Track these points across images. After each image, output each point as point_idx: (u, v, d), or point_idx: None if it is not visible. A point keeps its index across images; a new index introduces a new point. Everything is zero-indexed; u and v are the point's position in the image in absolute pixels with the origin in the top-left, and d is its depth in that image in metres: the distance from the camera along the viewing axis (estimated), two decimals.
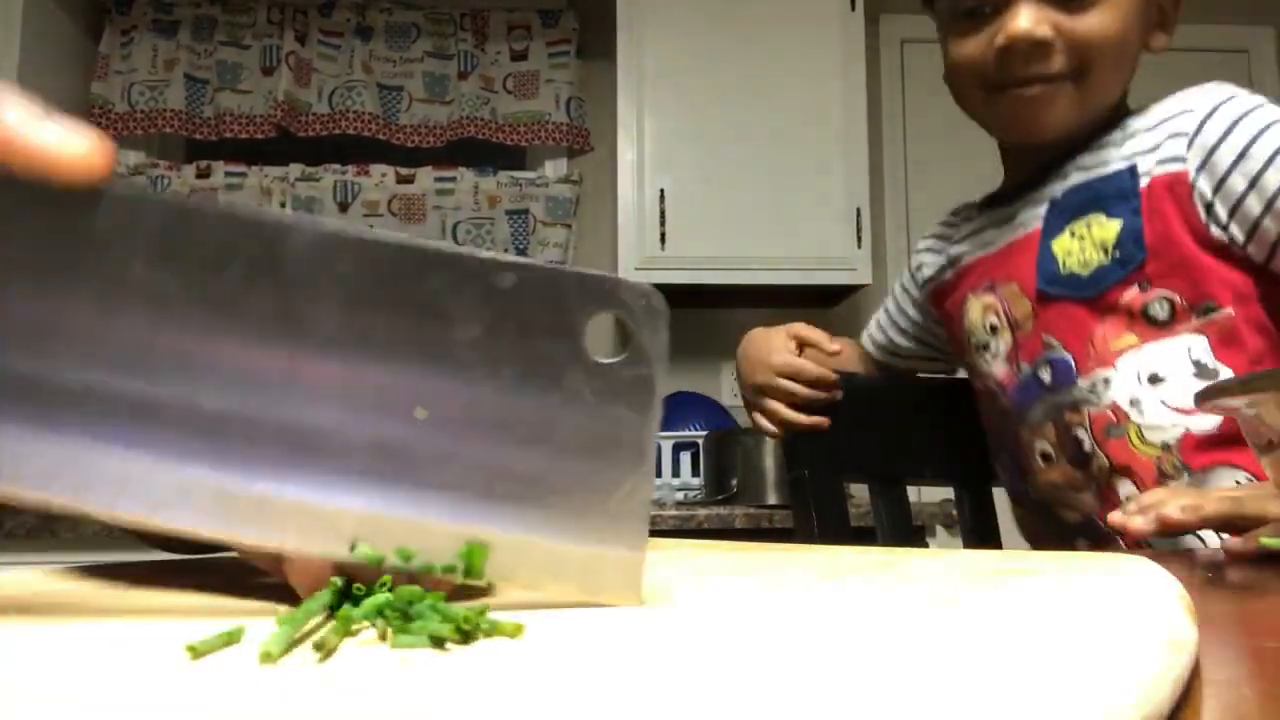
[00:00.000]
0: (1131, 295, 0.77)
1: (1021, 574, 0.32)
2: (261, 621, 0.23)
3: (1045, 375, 0.83)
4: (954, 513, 1.10)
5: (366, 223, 2.49)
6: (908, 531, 1.01)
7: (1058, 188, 0.84)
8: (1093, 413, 0.80)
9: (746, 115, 2.23)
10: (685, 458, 2.11)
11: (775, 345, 0.97)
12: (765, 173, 2.22)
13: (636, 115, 2.23)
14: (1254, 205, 0.73)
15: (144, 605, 0.29)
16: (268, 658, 0.19)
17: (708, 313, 2.54)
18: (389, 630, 0.22)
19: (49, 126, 0.24)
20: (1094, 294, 0.79)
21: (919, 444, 1.02)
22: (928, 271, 1.01)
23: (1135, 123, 0.82)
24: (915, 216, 2.56)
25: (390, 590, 0.25)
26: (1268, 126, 0.74)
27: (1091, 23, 0.78)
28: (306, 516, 0.25)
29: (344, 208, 2.49)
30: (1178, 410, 0.76)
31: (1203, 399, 0.48)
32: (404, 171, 2.51)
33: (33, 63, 2.21)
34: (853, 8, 2.27)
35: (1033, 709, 0.15)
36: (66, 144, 0.24)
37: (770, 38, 2.25)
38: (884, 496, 1.01)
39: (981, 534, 1.03)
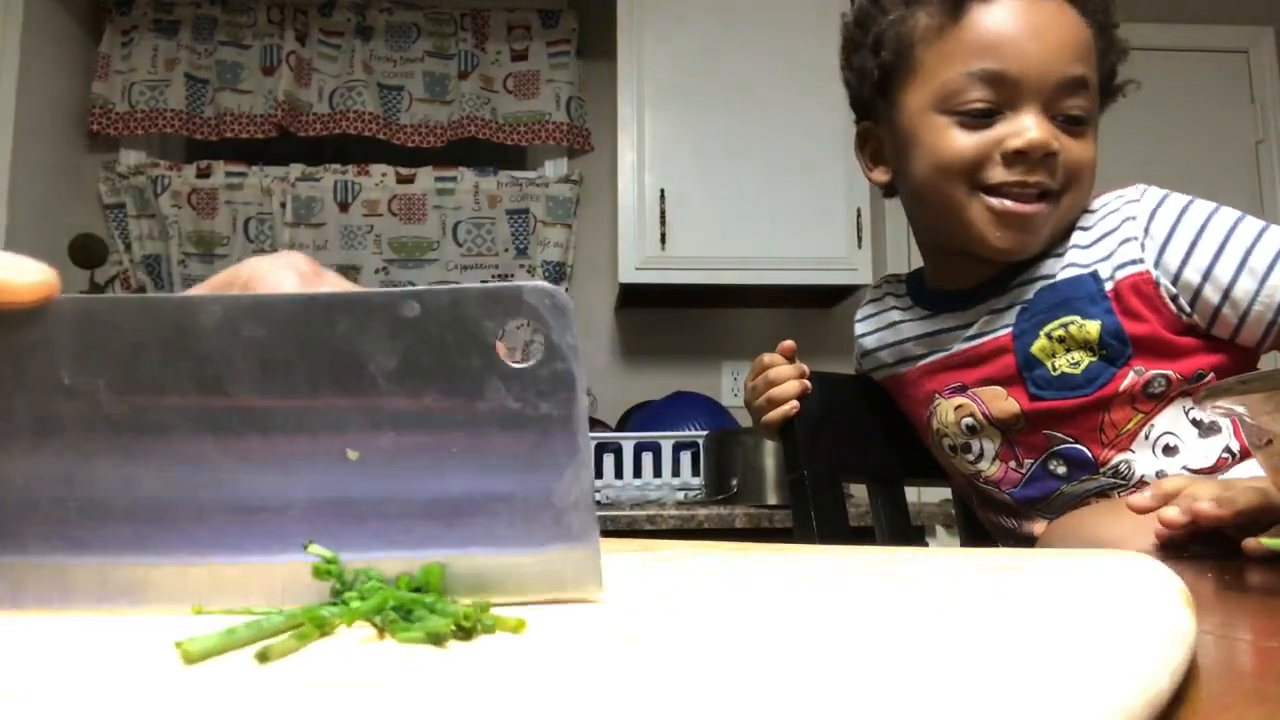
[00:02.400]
0: (1130, 381, 0.79)
1: (1019, 571, 0.32)
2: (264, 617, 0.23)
3: (1058, 468, 0.84)
4: (953, 512, 1.10)
5: (367, 223, 2.50)
6: (907, 531, 1.01)
7: (1021, 294, 0.85)
8: (1124, 495, 0.81)
9: (747, 115, 2.23)
10: (685, 457, 2.11)
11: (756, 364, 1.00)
12: (765, 173, 2.22)
13: (637, 115, 2.24)
14: (1211, 295, 0.77)
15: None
16: (189, 656, 0.19)
17: (708, 313, 2.54)
18: (387, 628, 0.22)
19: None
20: (1093, 391, 0.80)
21: (918, 444, 1.02)
22: (880, 358, 1.00)
23: (1079, 234, 0.84)
24: None
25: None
26: (1207, 220, 0.78)
27: (1082, 148, 0.81)
28: (262, 579, 0.26)
29: (344, 208, 2.50)
30: (1200, 471, 0.79)
31: (1202, 400, 0.48)
32: (404, 171, 2.51)
33: (33, 62, 2.21)
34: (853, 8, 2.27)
35: (1032, 704, 0.15)
36: (19, 271, 0.26)
37: (770, 38, 2.25)
38: (883, 496, 1.01)
39: (980, 533, 1.03)
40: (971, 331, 0.88)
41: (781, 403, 0.95)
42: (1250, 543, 0.54)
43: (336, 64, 2.52)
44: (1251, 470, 0.77)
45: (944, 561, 0.37)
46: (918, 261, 1.00)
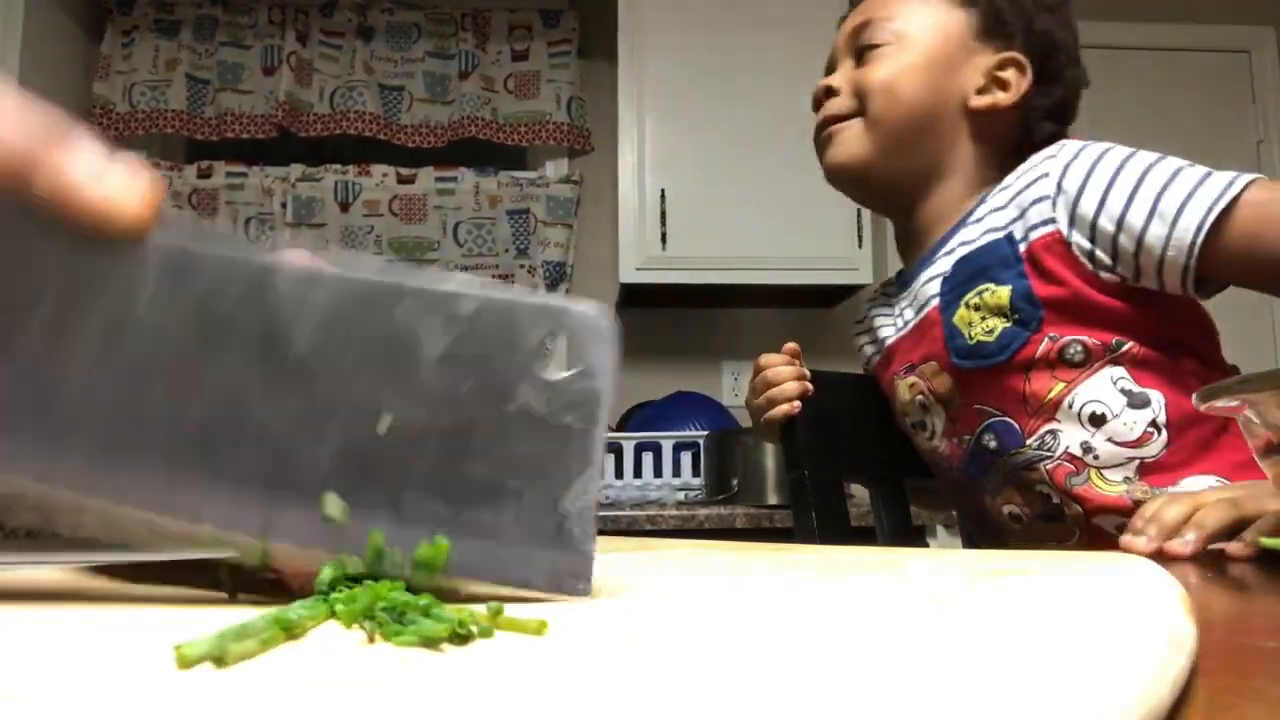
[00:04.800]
0: (1045, 347, 0.80)
1: (1021, 573, 0.32)
2: (257, 611, 0.23)
3: (991, 442, 0.85)
4: (955, 513, 1.09)
5: (368, 223, 2.50)
6: (908, 531, 1.01)
7: (946, 263, 0.87)
8: (1050, 467, 0.81)
9: (747, 115, 2.23)
10: (686, 458, 2.11)
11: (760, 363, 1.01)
12: (766, 173, 2.22)
13: (637, 115, 2.24)
14: (1126, 243, 0.75)
15: (140, 599, 0.29)
16: (184, 660, 0.19)
17: (708, 313, 2.54)
18: (380, 631, 0.22)
19: (110, 180, 0.25)
20: (1008, 357, 0.81)
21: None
22: (867, 352, 1.03)
23: (997, 195, 0.85)
24: None
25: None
26: (1121, 166, 0.77)
27: (870, 72, 0.90)
28: (277, 518, 0.27)
29: (345, 208, 2.50)
30: (1126, 444, 0.79)
31: (1201, 400, 0.48)
32: (405, 172, 2.51)
33: (34, 63, 2.22)
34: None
35: (1032, 708, 0.15)
36: (123, 201, 0.25)
37: (771, 38, 2.25)
38: (884, 496, 1.01)
39: (986, 534, 1.03)
40: (915, 305, 0.91)
41: (782, 403, 0.95)
42: (1233, 547, 0.55)
43: (337, 64, 2.52)
44: (1205, 482, 0.77)
45: (945, 562, 0.37)
46: None
